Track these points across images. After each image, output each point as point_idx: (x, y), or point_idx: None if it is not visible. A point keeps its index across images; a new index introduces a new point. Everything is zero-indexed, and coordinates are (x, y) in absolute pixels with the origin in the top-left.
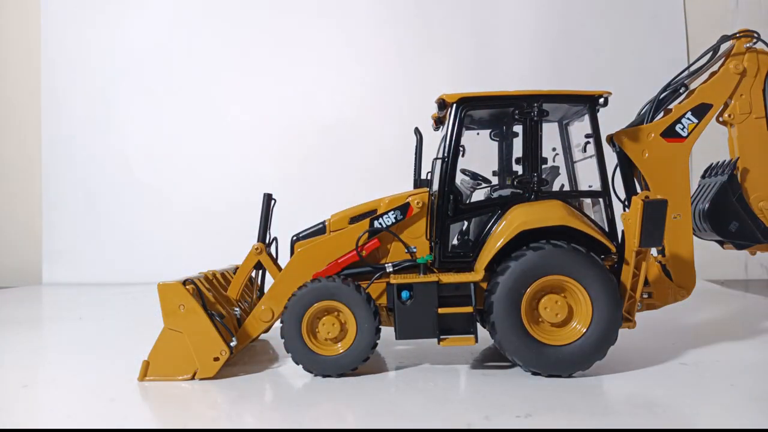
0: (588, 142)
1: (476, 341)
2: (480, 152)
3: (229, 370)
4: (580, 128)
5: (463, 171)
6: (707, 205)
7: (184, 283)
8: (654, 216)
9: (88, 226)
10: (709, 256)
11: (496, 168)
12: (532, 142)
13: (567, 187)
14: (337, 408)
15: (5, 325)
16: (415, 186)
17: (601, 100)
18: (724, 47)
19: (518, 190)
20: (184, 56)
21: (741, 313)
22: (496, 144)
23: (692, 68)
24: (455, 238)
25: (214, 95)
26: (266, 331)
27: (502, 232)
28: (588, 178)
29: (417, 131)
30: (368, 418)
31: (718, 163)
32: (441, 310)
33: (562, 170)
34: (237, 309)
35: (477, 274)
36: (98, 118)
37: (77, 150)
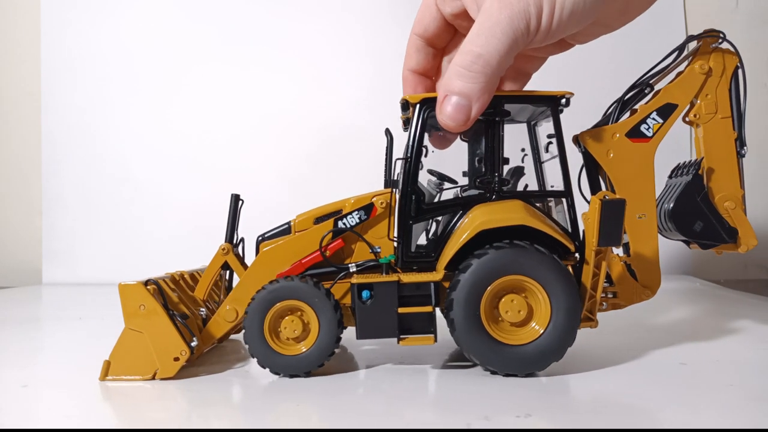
0: (550, 142)
1: (435, 340)
2: (452, 153)
3: (213, 368)
4: (549, 129)
5: (431, 171)
6: (672, 205)
7: (146, 283)
8: (612, 215)
9: (88, 227)
10: (709, 256)
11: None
12: (494, 142)
13: (534, 188)
14: (333, 408)
15: (5, 325)
16: (386, 186)
17: (563, 101)
18: (690, 47)
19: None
20: (184, 57)
21: (741, 313)
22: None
23: (658, 68)
24: (424, 238)
25: (214, 96)
26: (237, 331)
27: (462, 232)
28: (557, 178)
29: (387, 132)
30: (366, 418)
31: (685, 162)
32: (401, 310)
33: (531, 171)
34: (203, 309)
35: (438, 274)
36: (98, 118)
37: (77, 150)
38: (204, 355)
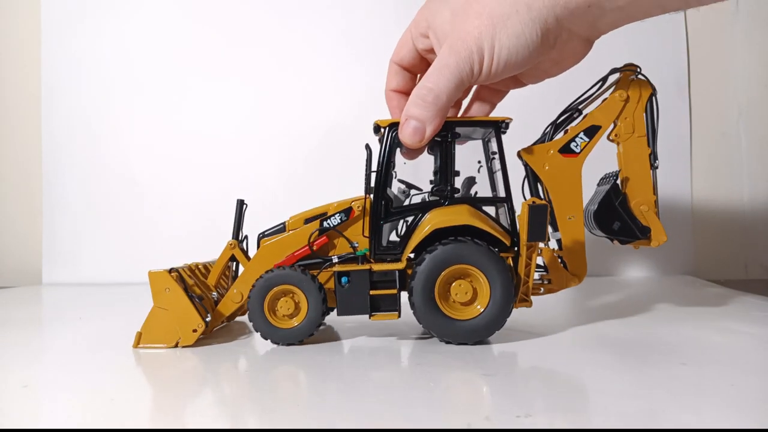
0: (494, 158)
1: (399, 316)
2: (424, 164)
3: (229, 364)
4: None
5: (400, 181)
6: (595, 208)
7: (170, 271)
8: (537, 217)
9: (89, 227)
10: (710, 256)
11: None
12: (447, 158)
13: (487, 193)
14: (332, 407)
15: (5, 325)
16: (366, 193)
17: (503, 125)
18: (611, 78)
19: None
20: (185, 58)
21: (741, 313)
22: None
23: (585, 96)
24: (396, 235)
25: (215, 96)
26: (243, 313)
27: (420, 230)
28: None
29: (367, 147)
30: (366, 418)
31: (610, 173)
32: (372, 292)
33: (485, 179)
34: (215, 293)
35: (401, 264)
36: (98, 118)
37: (77, 150)
38: (215, 331)
